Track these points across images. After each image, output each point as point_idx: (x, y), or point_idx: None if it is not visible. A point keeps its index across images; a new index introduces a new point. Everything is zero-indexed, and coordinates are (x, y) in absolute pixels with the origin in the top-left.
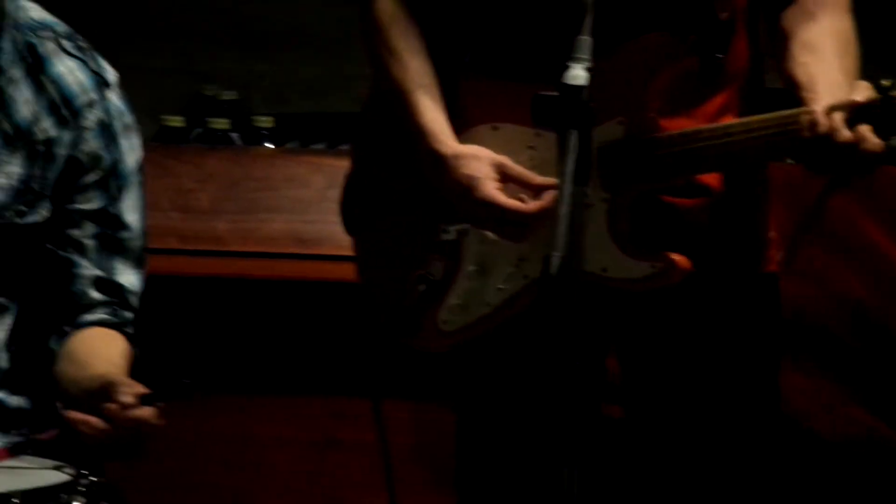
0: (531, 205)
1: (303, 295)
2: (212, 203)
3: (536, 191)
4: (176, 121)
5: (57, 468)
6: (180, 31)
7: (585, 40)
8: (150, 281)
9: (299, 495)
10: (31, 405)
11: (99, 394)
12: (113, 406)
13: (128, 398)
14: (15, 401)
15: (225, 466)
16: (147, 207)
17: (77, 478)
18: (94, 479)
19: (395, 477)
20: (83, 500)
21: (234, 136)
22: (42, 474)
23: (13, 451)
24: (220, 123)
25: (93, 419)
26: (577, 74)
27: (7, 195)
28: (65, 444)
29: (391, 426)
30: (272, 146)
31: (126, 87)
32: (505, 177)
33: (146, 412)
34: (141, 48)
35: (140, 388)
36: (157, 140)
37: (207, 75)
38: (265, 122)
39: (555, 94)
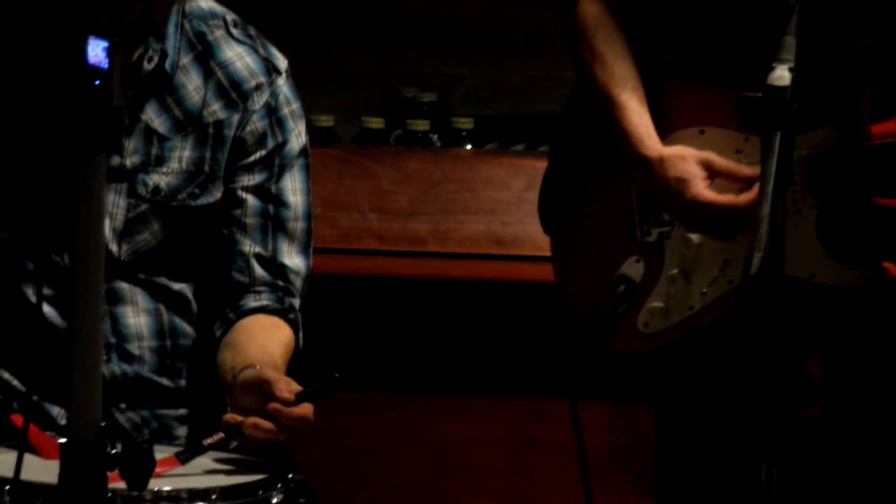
0: (743, 197)
1: (501, 295)
2: (411, 204)
3: (747, 183)
4: (376, 122)
5: (255, 466)
6: (381, 33)
7: (790, 41)
8: (349, 282)
9: (496, 494)
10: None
11: (255, 392)
12: (278, 406)
13: (287, 395)
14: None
15: (421, 466)
16: (346, 207)
17: (275, 476)
18: (292, 476)
19: (592, 477)
20: (281, 496)
21: (434, 137)
22: (242, 472)
23: (181, 458)
24: (420, 125)
25: (262, 422)
26: (782, 75)
27: (181, 179)
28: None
29: (588, 426)
30: (471, 148)
31: (327, 88)
32: (712, 173)
33: (307, 409)
34: (342, 50)
35: (295, 385)
36: (356, 142)
37: (407, 77)
38: (465, 123)
39: (759, 95)
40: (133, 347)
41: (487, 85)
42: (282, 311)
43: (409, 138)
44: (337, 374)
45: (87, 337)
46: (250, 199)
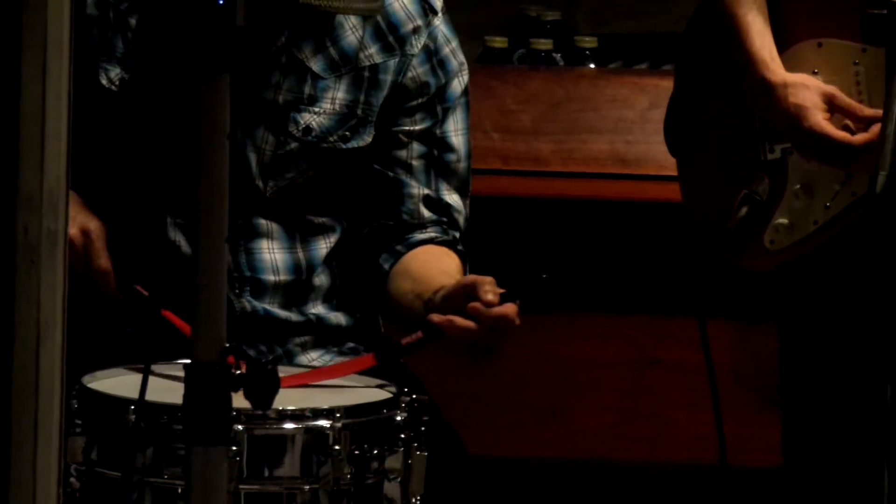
0: (859, 137)
1: (624, 215)
2: (534, 124)
3: (865, 123)
4: (499, 42)
5: (380, 387)
6: None
7: None
8: (472, 202)
9: (620, 413)
10: (350, 322)
11: (459, 296)
12: (478, 304)
13: (491, 296)
14: (334, 317)
15: (544, 385)
16: (470, 127)
17: (399, 395)
18: (416, 396)
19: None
20: (405, 415)
21: (557, 56)
22: (365, 391)
23: (378, 359)
24: (543, 44)
25: (458, 319)
26: None
27: (332, 121)
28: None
29: (712, 346)
30: (595, 66)
31: (450, 8)
32: (833, 107)
33: (509, 309)
34: None
35: (498, 287)
36: (480, 61)
37: None
38: (588, 42)
39: (884, 11)
40: (267, 282)
41: (611, 3)
42: (450, 243)
43: (532, 57)
44: (544, 276)
45: (212, 258)
46: (415, 144)
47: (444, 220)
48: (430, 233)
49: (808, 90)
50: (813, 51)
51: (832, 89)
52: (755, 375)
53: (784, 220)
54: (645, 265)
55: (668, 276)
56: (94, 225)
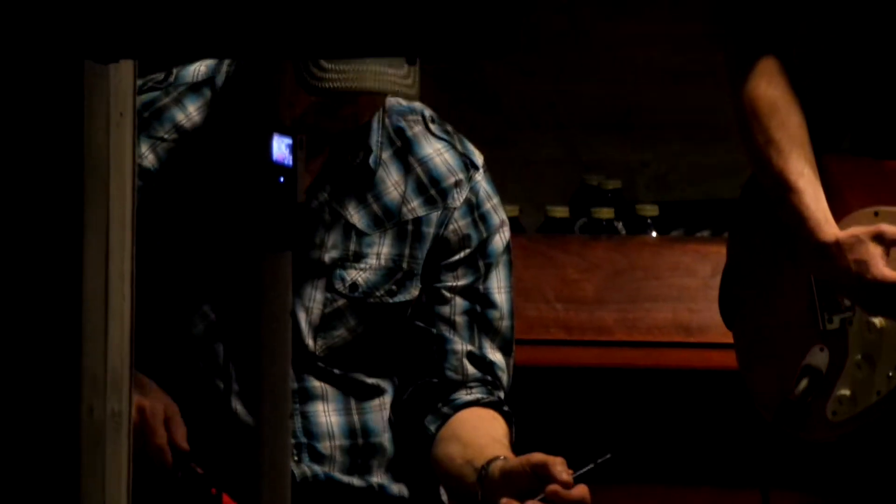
0: None
1: (689, 384)
2: (597, 293)
3: None
4: (560, 211)
5: None
6: (564, 121)
7: None
8: (536, 372)
9: None
10: (409, 492)
11: (525, 475)
12: (557, 487)
13: (566, 477)
14: (396, 488)
15: None
16: (532, 297)
17: None
18: None
19: None
20: None
21: (619, 225)
22: None
23: None
24: (605, 213)
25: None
26: None
27: (378, 276)
28: None
29: None
30: (657, 235)
31: (511, 178)
32: (887, 243)
33: (583, 491)
34: (525, 139)
35: (565, 465)
36: (542, 231)
37: (591, 165)
38: (649, 210)
39: None
40: (324, 447)
41: (671, 170)
42: (495, 404)
43: (593, 226)
44: (609, 455)
45: (275, 436)
46: (458, 299)
47: (489, 378)
48: (476, 393)
49: (861, 242)
50: (869, 220)
51: (878, 226)
52: None
53: (846, 392)
54: (711, 435)
55: (735, 447)
56: (148, 402)
